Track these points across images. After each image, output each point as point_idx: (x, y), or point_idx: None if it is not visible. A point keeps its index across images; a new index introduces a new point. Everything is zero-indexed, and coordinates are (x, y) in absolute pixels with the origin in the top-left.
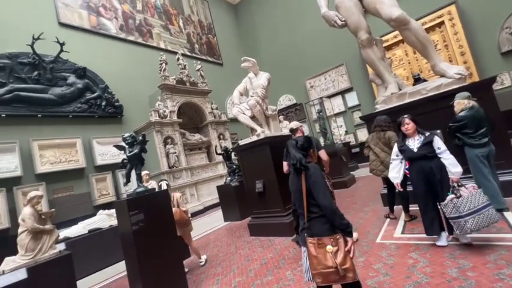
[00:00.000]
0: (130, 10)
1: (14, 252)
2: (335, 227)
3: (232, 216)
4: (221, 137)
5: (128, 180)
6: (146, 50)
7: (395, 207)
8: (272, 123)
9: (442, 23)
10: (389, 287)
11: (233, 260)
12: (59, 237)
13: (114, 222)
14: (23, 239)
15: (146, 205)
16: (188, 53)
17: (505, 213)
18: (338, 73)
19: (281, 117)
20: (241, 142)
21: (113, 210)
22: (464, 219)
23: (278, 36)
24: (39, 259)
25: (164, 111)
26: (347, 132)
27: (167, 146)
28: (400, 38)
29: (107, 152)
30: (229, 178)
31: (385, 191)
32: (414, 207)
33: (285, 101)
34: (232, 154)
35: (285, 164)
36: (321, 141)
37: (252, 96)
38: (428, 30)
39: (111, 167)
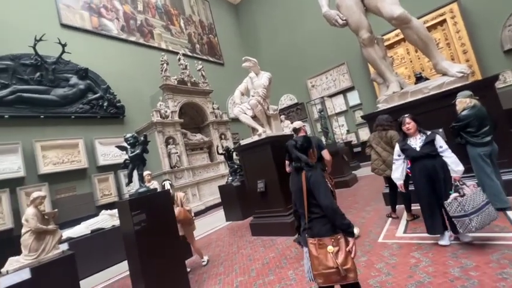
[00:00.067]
0: (131, 11)
1: (18, 252)
2: (336, 227)
3: (234, 216)
4: (222, 136)
5: (130, 181)
6: (147, 50)
7: (397, 206)
8: (273, 122)
9: (444, 21)
10: (391, 287)
11: (235, 259)
12: (62, 238)
13: (116, 222)
14: (26, 239)
15: (148, 205)
16: (190, 53)
17: (508, 212)
18: (339, 72)
19: (282, 116)
20: (243, 142)
21: (115, 210)
22: (469, 217)
23: (279, 35)
24: (43, 259)
25: (166, 112)
26: (348, 132)
27: (169, 146)
28: (402, 36)
29: (109, 152)
30: (230, 178)
31: (387, 191)
32: (416, 207)
33: (287, 100)
34: (234, 154)
35: (287, 163)
36: (323, 140)
37: (253, 96)
38: (429, 28)
39: (113, 167)
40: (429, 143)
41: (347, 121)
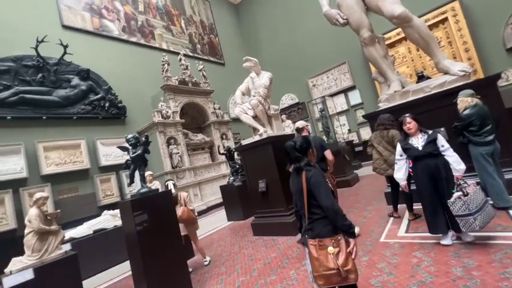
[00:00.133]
0: (132, 11)
1: (21, 252)
2: (338, 228)
3: (236, 215)
4: (224, 136)
5: (132, 181)
6: (148, 51)
7: (398, 206)
8: (274, 122)
9: (446, 19)
10: (393, 286)
11: (237, 259)
12: (65, 238)
13: (118, 222)
14: (29, 239)
15: (150, 205)
16: (191, 54)
17: (511, 211)
18: (340, 71)
19: (284, 116)
20: (244, 142)
21: (117, 211)
22: (474, 216)
23: (280, 35)
24: (46, 259)
25: (167, 112)
26: (349, 131)
27: (170, 146)
28: (403, 35)
29: (111, 152)
30: (232, 178)
31: (389, 190)
32: (418, 206)
33: (288, 100)
34: (235, 154)
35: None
36: (324, 140)
37: (254, 96)
38: (431, 27)
39: (115, 168)
40: (431, 142)
41: (348, 120)
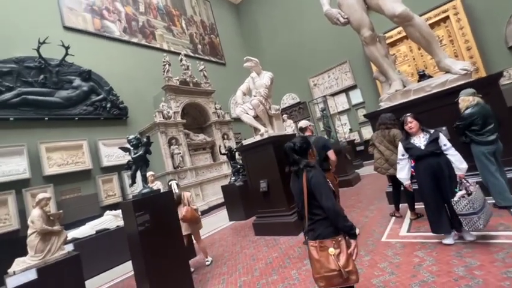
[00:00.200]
0: (133, 12)
1: (24, 253)
2: (339, 229)
3: (237, 215)
4: (225, 136)
5: (133, 182)
6: (149, 51)
7: (400, 205)
8: (275, 122)
9: (447, 17)
10: (394, 286)
11: (238, 259)
12: (68, 238)
13: (121, 222)
14: (32, 240)
15: (152, 206)
16: (191, 54)
17: None
18: (341, 71)
19: (285, 116)
20: (245, 142)
21: (119, 211)
22: (478, 215)
23: (280, 35)
24: (49, 260)
25: (168, 112)
26: (351, 130)
27: (171, 146)
28: (404, 34)
29: (113, 153)
30: (233, 178)
31: (390, 189)
32: (419, 206)
33: (289, 99)
34: (236, 154)
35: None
36: None
37: (255, 96)
38: (432, 25)
39: (117, 168)
40: (434, 141)
41: (349, 120)
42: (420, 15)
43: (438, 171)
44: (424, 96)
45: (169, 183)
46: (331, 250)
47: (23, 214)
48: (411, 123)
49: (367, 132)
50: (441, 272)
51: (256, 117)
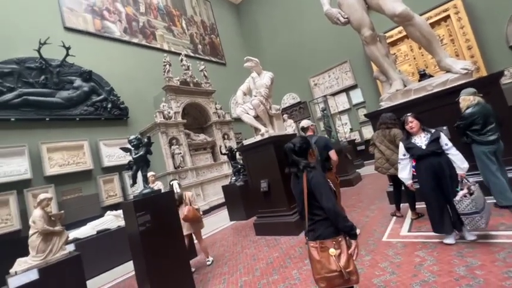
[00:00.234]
0: (134, 12)
1: (26, 253)
2: (339, 229)
3: (238, 215)
4: (225, 136)
5: (134, 182)
6: (150, 51)
7: (401, 205)
8: (276, 122)
9: (448, 17)
10: (395, 286)
11: (239, 259)
12: (69, 238)
13: (122, 223)
14: (34, 240)
15: (153, 206)
16: (192, 54)
17: None
18: (342, 70)
19: (285, 116)
20: (246, 142)
21: (120, 211)
22: (480, 214)
23: (281, 34)
24: (50, 260)
25: (169, 112)
26: (351, 130)
27: (172, 146)
28: (405, 33)
29: (114, 153)
30: (234, 178)
31: (391, 189)
32: (420, 205)
33: (289, 99)
34: (237, 154)
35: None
36: None
37: (255, 96)
38: (433, 24)
39: (118, 169)
40: (435, 140)
41: (350, 119)
42: (421, 15)
43: (440, 170)
44: (425, 96)
45: (171, 183)
46: (332, 251)
47: (24, 214)
48: (412, 122)
49: (368, 132)
50: (442, 272)
51: (256, 117)
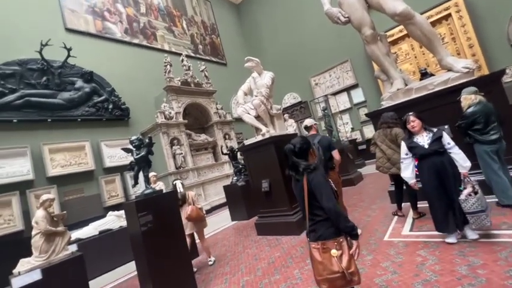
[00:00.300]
0: (134, 13)
1: (29, 253)
2: (340, 230)
3: (239, 215)
4: (227, 136)
5: (136, 182)
6: (150, 52)
7: (403, 204)
8: (277, 122)
9: (449, 15)
10: (397, 285)
11: (241, 259)
12: (71, 239)
13: (124, 223)
14: (37, 240)
15: (154, 206)
16: (192, 54)
17: None
18: (342, 70)
19: (286, 115)
20: (247, 142)
21: (122, 212)
22: (486, 213)
23: (281, 34)
24: (53, 260)
25: (170, 113)
26: (353, 129)
27: (173, 147)
28: (406, 32)
29: (115, 154)
30: (235, 178)
31: (392, 188)
32: (422, 204)
33: (290, 99)
34: (238, 154)
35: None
36: None
37: (256, 96)
38: (434, 23)
39: (119, 169)
40: (437, 139)
41: (351, 119)
42: (422, 13)
43: (442, 170)
44: (426, 95)
45: (174, 183)
46: (333, 252)
47: (27, 215)
48: (413, 122)
49: (369, 131)
50: (444, 271)
51: (257, 117)
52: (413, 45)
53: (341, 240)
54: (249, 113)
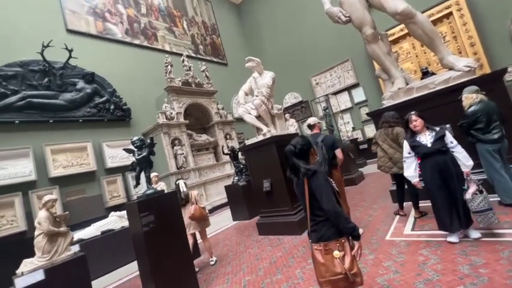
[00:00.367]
0: (135, 14)
1: (32, 254)
2: (341, 230)
3: (241, 215)
4: (228, 137)
5: (137, 183)
6: (151, 52)
7: (404, 203)
8: (278, 122)
9: (450, 14)
10: (399, 285)
11: (242, 259)
12: (74, 239)
13: (126, 223)
14: (39, 241)
15: (156, 206)
16: (193, 54)
17: None
18: (343, 69)
19: (287, 115)
20: (248, 142)
21: (124, 212)
22: (493, 211)
23: (282, 34)
24: (56, 260)
25: (171, 113)
26: (354, 129)
27: (175, 147)
28: (407, 31)
29: (117, 154)
30: (236, 178)
31: (394, 188)
32: (423, 204)
33: (291, 99)
34: (239, 154)
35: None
36: None
37: (257, 96)
38: (435, 22)
39: (121, 169)
40: (440, 138)
41: (352, 118)
42: (423, 12)
43: (445, 168)
44: (427, 94)
45: (177, 182)
46: (336, 253)
47: (29, 216)
48: (416, 121)
49: (370, 131)
50: (446, 271)
51: (258, 117)
52: (414, 44)
53: (343, 241)
54: (250, 113)
